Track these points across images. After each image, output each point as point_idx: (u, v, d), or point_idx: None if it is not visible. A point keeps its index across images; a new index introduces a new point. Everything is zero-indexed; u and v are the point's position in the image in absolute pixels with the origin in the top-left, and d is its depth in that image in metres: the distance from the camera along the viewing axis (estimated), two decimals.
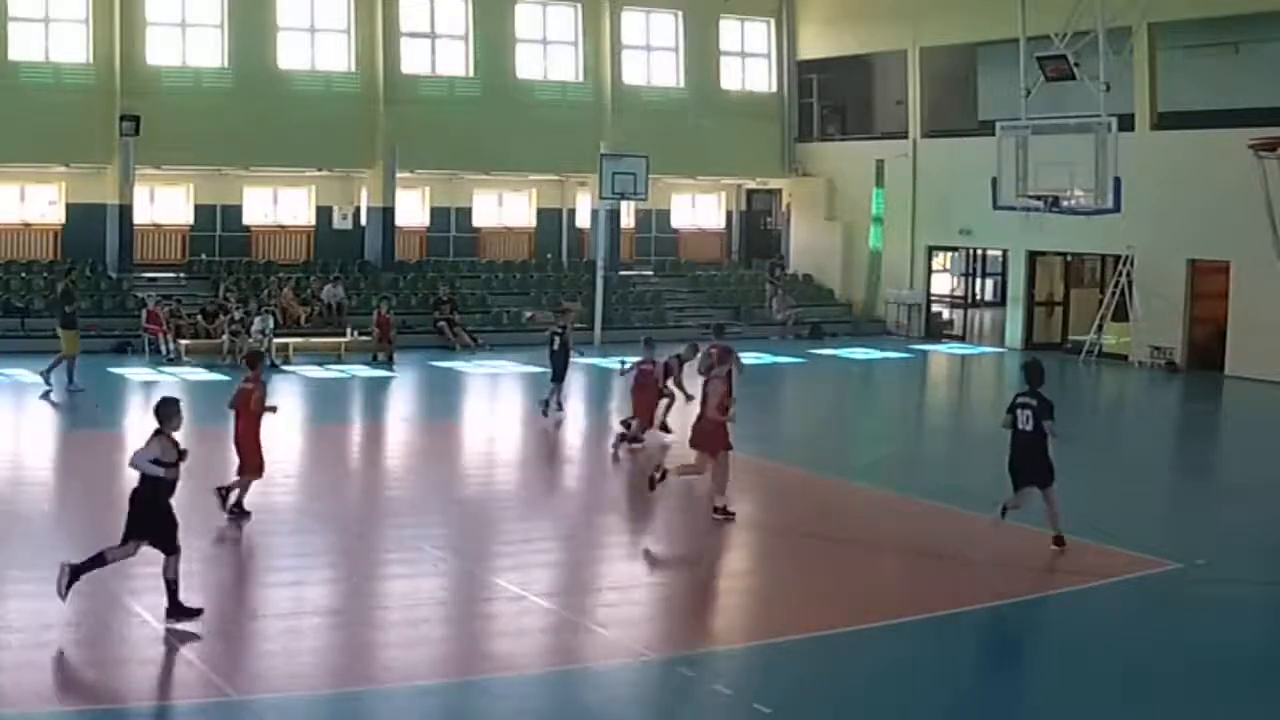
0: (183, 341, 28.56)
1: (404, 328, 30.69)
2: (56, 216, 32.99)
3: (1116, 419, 26.97)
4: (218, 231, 34.29)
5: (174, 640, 10.90)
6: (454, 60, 35.65)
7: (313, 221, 35.51)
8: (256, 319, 28.51)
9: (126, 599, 11.97)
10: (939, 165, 35.34)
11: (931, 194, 35.72)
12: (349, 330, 30.57)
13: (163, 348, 28.17)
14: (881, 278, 37.24)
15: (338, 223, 35.52)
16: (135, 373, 26.30)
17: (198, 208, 34.31)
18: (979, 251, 36.15)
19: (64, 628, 11.20)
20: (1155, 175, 28.92)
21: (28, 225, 32.85)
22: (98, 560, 11.38)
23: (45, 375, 23.69)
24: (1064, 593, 13.28)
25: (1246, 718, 10.27)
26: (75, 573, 11.23)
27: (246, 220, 34.78)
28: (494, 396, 26.96)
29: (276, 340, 28.37)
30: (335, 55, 34.25)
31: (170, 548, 11.32)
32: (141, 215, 32.89)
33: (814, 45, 39.16)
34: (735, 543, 15.41)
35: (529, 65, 36.28)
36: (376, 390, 26.61)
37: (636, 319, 35.04)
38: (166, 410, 11.54)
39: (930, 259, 36.88)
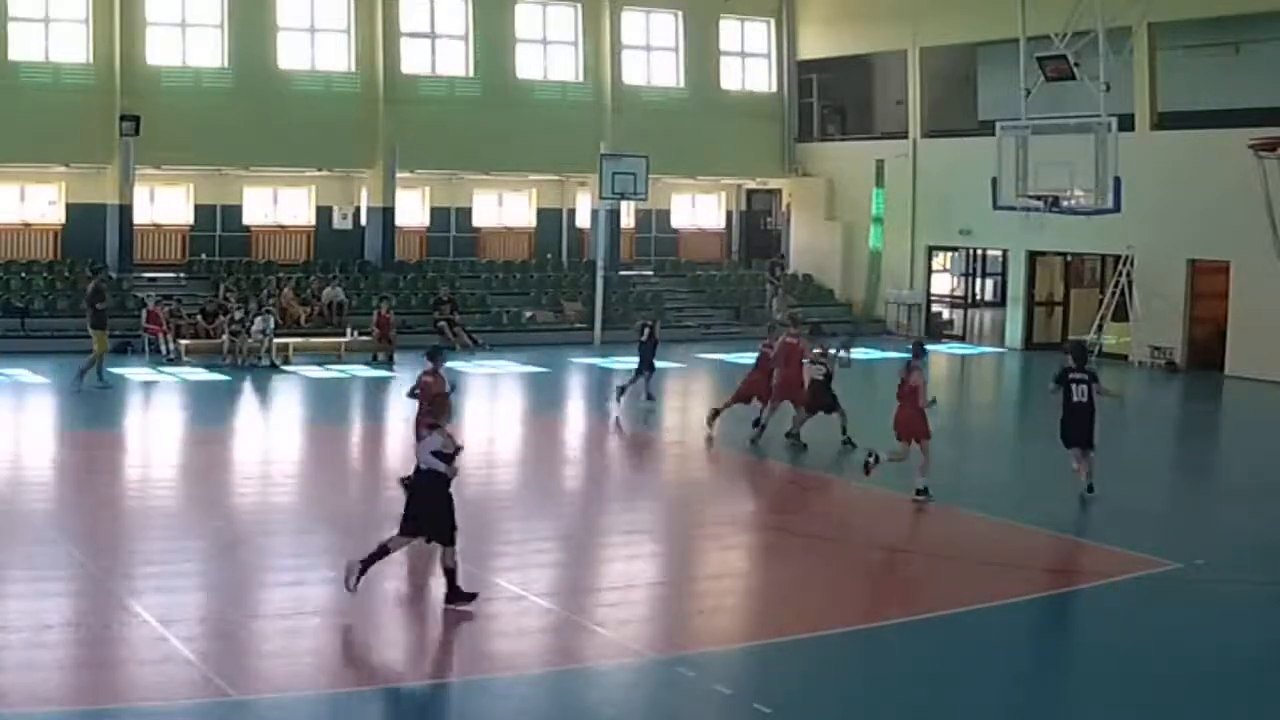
0: (183, 341, 28.56)
1: (404, 328, 30.68)
2: (56, 216, 32.99)
3: (1116, 419, 26.94)
4: (218, 231, 34.29)
5: (174, 640, 10.89)
6: (454, 60, 35.65)
7: (313, 221, 35.51)
8: (257, 319, 28.49)
9: (127, 599, 11.99)
10: (939, 165, 35.34)
11: (931, 194, 35.72)
12: (349, 330, 30.57)
13: (163, 348, 28.16)
14: (881, 278, 37.24)
15: (338, 223, 35.52)
16: (135, 373, 26.27)
17: (198, 208, 34.31)
18: (979, 251, 36.15)
19: (64, 628, 11.22)
20: (1155, 175, 28.92)
21: (28, 225, 32.85)
22: (381, 552, 11.91)
23: (82, 375, 23.77)
24: (1064, 593, 13.28)
25: (1246, 718, 10.28)
26: (364, 567, 11.76)
27: (246, 220, 34.77)
28: (494, 397, 26.95)
29: (276, 340, 28.36)
30: (335, 55, 34.25)
31: (449, 539, 11.75)
32: (141, 215, 32.89)
33: (814, 45, 39.15)
34: (735, 543, 15.43)
35: (529, 65, 36.28)
36: (376, 390, 26.60)
37: (636, 319, 34.99)
38: (441, 404, 12.19)
39: (930, 259, 36.88)
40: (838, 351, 20.39)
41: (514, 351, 30.74)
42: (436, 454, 11.68)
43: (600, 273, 33.55)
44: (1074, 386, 16.82)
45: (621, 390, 23.08)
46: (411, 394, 16.11)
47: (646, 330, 23.52)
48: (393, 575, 13.58)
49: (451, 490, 11.89)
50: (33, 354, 27.37)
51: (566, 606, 12.41)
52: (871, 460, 16.85)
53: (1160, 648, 11.74)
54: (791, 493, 18.15)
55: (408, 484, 14.73)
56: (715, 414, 20.70)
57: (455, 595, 11.82)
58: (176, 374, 26.43)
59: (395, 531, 12.04)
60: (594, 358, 30.44)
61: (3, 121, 30.18)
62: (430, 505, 11.77)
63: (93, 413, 22.41)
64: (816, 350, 20.04)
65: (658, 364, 23.73)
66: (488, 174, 36.77)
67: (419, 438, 12.09)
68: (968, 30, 34.25)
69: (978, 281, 36.87)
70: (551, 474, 19.33)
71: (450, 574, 11.81)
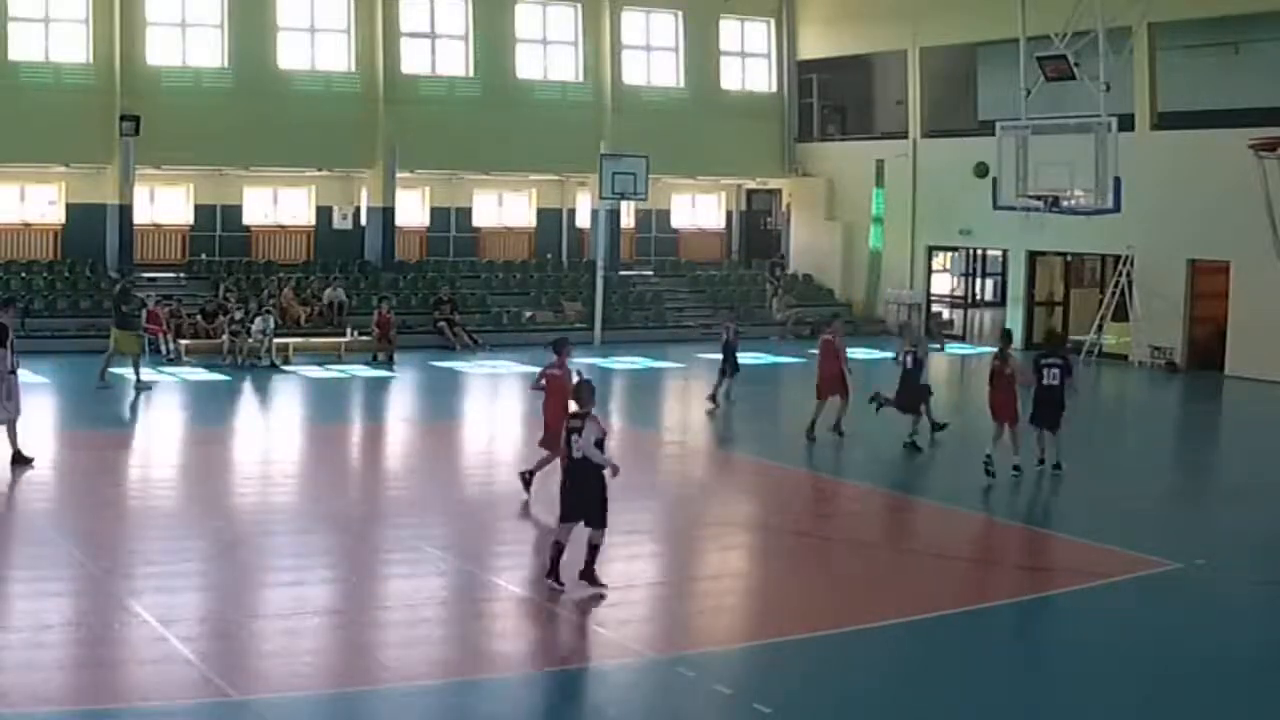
0: (183, 341, 28.57)
1: (404, 328, 30.71)
2: (56, 216, 33.00)
3: (1117, 419, 26.96)
4: (218, 231, 34.31)
5: (174, 640, 10.89)
6: (454, 60, 35.66)
7: (313, 221, 35.52)
8: (257, 319, 28.49)
9: (127, 599, 11.99)
10: (939, 165, 35.34)
11: (931, 194, 35.73)
12: (349, 330, 30.58)
13: (163, 348, 28.15)
14: (881, 278, 37.24)
15: (338, 223, 35.53)
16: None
17: (198, 208, 34.33)
18: (979, 251, 36.15)
19: (64, 628, 11.22)
20: (1155, 175, 28.93)
21: (28, 225, 32.87)
22: (556, 549, 12.47)
23: (103, 374, 24.15)
24: (1064, 593, 13.27)
25: (1246, 718, 10.28)
26: (555, 572, 12.37)
27: (246, 220, 34.79)
28: (494, 396, 26.96)
29: (276, 340, 28.36)
30: (335, 55, 34.26)
31: (603, 522, 12.35)
32: (141, 215, 32.90)
33: (814, 45, 39.16)
34: (735, 543, 15.43)
35: (529, 65, 36.29)
36: (376, 390, 26.61)
37: (636, 319, 35.08)
38: (590, 392, 12.60)
39: (930, 259, 36.89)
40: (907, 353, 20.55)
41: (514, 351, 30.74)
42: (598, 443, 12.26)
43: (600, 273, 33.56)
44: (1045, 370, 17.90)
45: (713, 397, 23.51)
46: (536, 386, 16.48)
47: (728, 331, 23.96)
48: (393, 575, 13.59)
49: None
50: (32, 354, 27.25)
51: (566, 606, 12.40)
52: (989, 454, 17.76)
53: (1160, 648, 11.73)
54: (792, 492, 18.14)
55: (528, 479, 15.93)
56: (813, 425, 20.77)
57: (591, 574, 12.47)
58: (176, 374, 26.43)
59: (557, 524, 12.63)
60: (594, 358, 30.42)
61: (3, 121, 30.20)
62: (591, 491, 12.33)
63: (93, 413, 22.42)
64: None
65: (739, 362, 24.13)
66: (488, 174, 36.78)
67: (570, 430, 12.48)
68: (968, 30, 34.26)
69: (978, 281, 36.88)
70: (552, 474, 19.27)
71: (594, 552, 12.47)
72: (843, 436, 20.59)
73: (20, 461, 17.00)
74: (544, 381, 16.14)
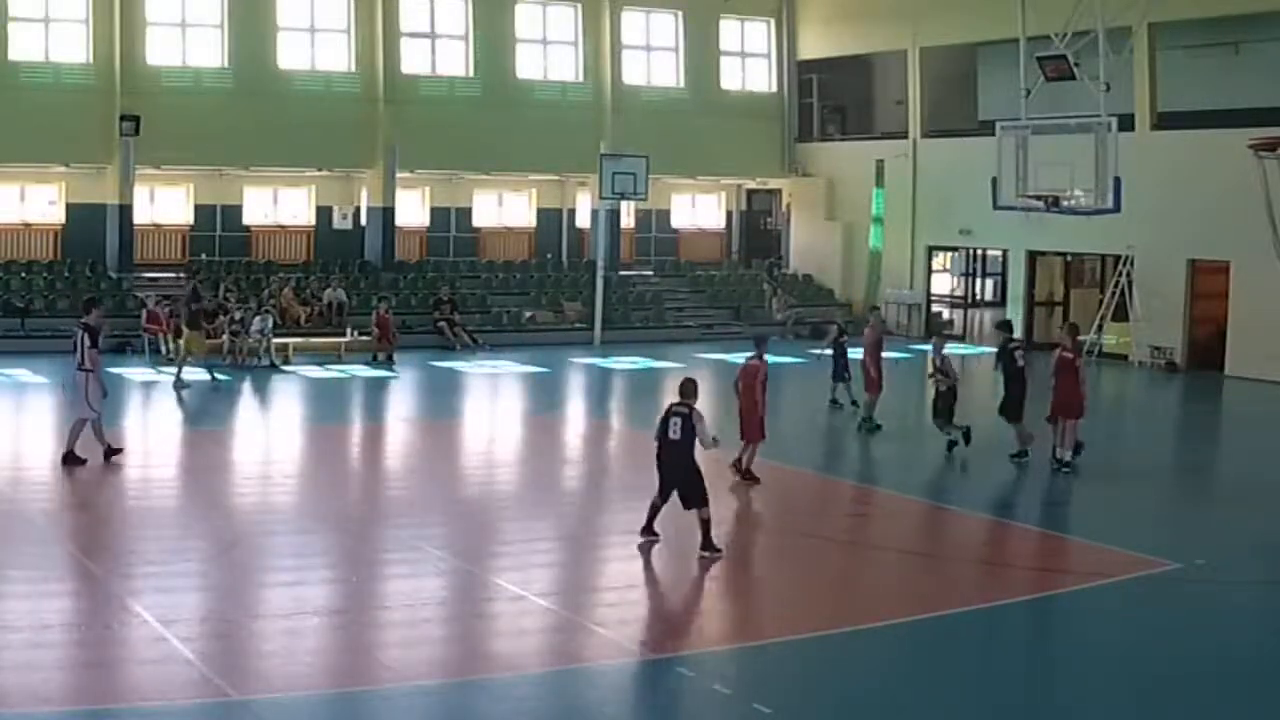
0: (182, 342, 28.51)
1: (404, 328, 30.71)
2: (56, 216, 32.99)
3: (1117, 419, 26.95)
4: (218, 231, 34.29)
5: (174, 640, 10.89)
6: (454, 60, 35.66)
7: (313, 221, 35.51)
8: (256, 319, 28.49)
9: (127, 599, 11.99)
10: (939, 165, 35.33)
11: (931, 194, 35.72)
12: (349, 330, 30.57)
13: (163, 348, 28.15)
14: (881, 278, 37.23)
15: (338, 223, 35.52)
16: (135, 373, 26.28)
17: (198, 208, 34.31)
18: (979, 251, 36.15)
19: (64, 628, 11.22)
20: (1155, 175, 28.92)
21: (28, 225, 32.85)
22: (653, 510, 14.12)
23: (179, 375, 24.66)
24: (1064, 593, 13.27)
25: (1246, 718, 10.27)
26: (647, 527, 14.15)
27: (246, 220, 34.78)
28: (494, 396, 26.96)
29: (276, 340, 28.35)
30: (335, 55, 34.25)
31: (702, 502, 13.76)
32: (141, 215, 32.89)
33: (814, 45, 39.16)
34: (735, 543, 15.41)
35: (529, 65, 36.29)
36: (376, 390, 26.61)
37: (636, 319, 35.07)
38: (694, 387, 14.25)
39: (930, 259, 36.88)
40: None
41: (514, 351, 30.73)
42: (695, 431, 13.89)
43: (600, 273, 33.55)
44: (1016, 353, 18.91)
45: (834, 402, 23.73)
46: (737, 386, 17.77)
47: (836, 335, 24.22)
48: (393, 575, 13.60)
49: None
50: (33, 354, 27.36)
51: (566, 606, 12.41)
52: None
53: (1160, 648, 11.73)
54: (792, 493, 18.13)
55: (743, 470, 17.41)
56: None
57: (709, 544, 13.73)
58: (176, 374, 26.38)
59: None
60: (594, 358, 30.44)
61: (3, 121, 30.19)
62: (682, 471, 13.93)
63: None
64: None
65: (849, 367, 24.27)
66: (488, 174, 36.77)
67: (671, 415, 14.07)
68: (968, 30, 34.26)
69: (978, 281, 36.87)
70: (551, 474, 19.31)
71: (706, 525, 13.79)
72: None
73: (73, 461, 17.18)
74: (742, 373, 17.64)
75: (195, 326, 25.28)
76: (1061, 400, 18.31)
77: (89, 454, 17.26)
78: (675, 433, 13.90)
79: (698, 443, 13.91)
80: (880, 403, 21.71)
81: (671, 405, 14.16)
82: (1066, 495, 17.82)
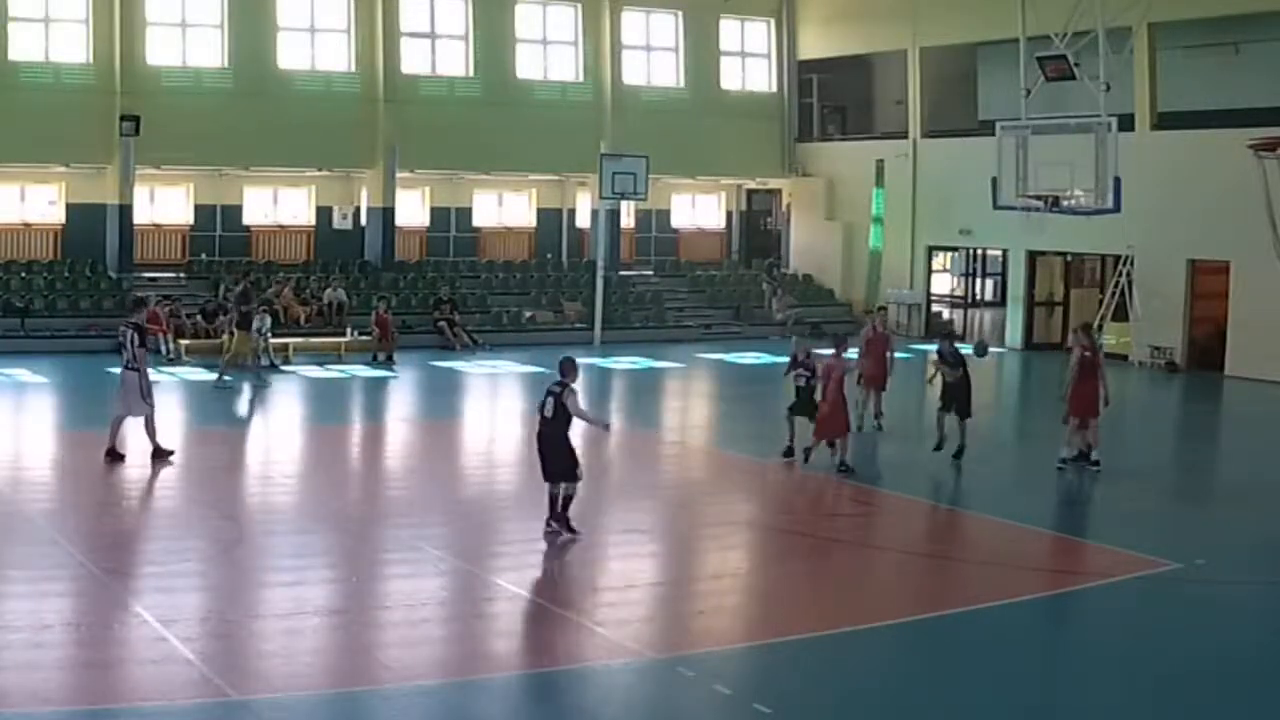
0: (183, 341, 28.56)
1: (404, 328, 30.70)
2: (56, 216, 32.98)
3: (1116, 419, 26.93)
4: (218, 231, 34.28)
5: (174, 640, 10.89)
6: (454, 60, 35.64)
7: (313, 221, 35.50)
8: (255, 318, 28.44)
9: (127, 599, 11.99)
10: (939, 165, 35.33)
11: (931, 194, 35.72)
12: (349, 330, 30.56)
13: (163, 348, 28.14)
14: (881, 278, 37.22)
15: (338, 223, 35.51)
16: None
17: (198, 208, 34.30)
18: (979, 251, 36.14)
19: (64, 628, 11.22)
20: (1155, 175, 28.92)
21: (28, 225, 32.85)
22: (550, 502, 14.40)
23: (222, 374, 25.18)
24: (1064, 593, 13.28)
25: (1246, 718, 10.27)
26: (558, 519, 14.31)
27: (246, 220, 34.77)
28: (494, 396, 26.96)
29: (276, 340, 28.30)
30: (335, 55, 34.24)
31: (572, 476, 14.32)
32: (141, 215, 32.87)
33: (814, 45, 39.14)
34: (735, 543, 15.43)
35: (529, 65, 36.27)
36: (376, 390, 26.61)
37: (636, 319, 35.07)
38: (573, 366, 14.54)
39: (930, 259, 36.87)
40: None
41: (514, 351, 30.73)
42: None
43: (600, 273, 33.55)
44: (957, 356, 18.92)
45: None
46: (831, 370, 18.22)
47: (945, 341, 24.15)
48: (393, 575, 13.59)
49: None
50: (32, 354, 27.38)
51: (566, 606, 12.41)
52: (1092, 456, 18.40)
53: (1160, 648, 11.73)
54: (792, 493, 18.14)
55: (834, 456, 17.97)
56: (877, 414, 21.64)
57: (563, 520, 14.35)
58: (176, 374, 26.42)
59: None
60: (594, 358, 30.42)
61: (3, 121, 30.17)
62: (569, 453, 14.41)
63: (92, 413, 22.38)
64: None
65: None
66: (488, 174, 36.75)
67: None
68: (968, 30, 34.25)
69: (978, 281, 36.86)
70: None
71: (561, 503, 14.43)
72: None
73: (161, 455, 17.75)
74: (825, 369, 18.03)
75: (245, 328, 25.74)
76: (1088, 401, 18.22)
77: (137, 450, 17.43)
78: (549, 411, 14.34)
79: (577, 421, 14.46)
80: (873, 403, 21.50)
81: (549, 385, 14.59)
82: (1066, 495, 17.82)
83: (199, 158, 32.56)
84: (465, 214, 37.22)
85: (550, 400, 14.34)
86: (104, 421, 18.03)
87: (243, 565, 13.59)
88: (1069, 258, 34.09)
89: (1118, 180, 26.07)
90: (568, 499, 14.29)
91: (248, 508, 16.33)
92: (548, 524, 14.37)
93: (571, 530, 14.28)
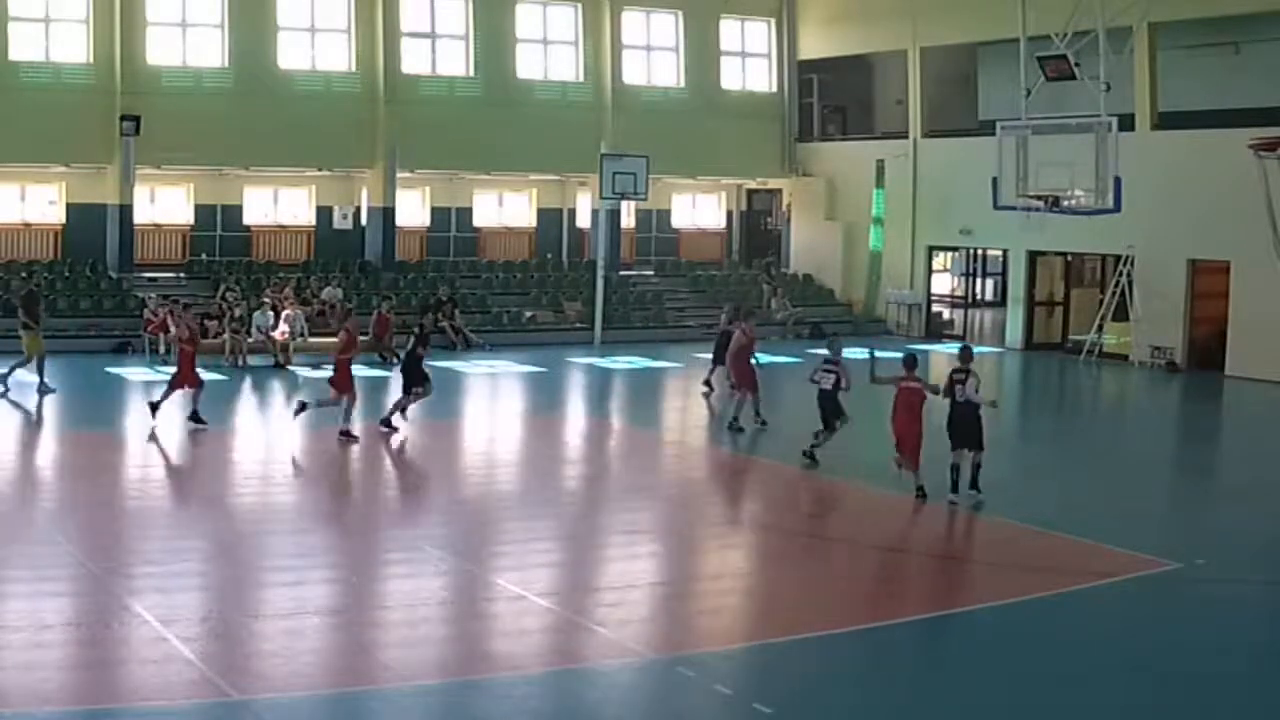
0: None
1: (404, 328, 30.64)
2: (57, 216, 32.99)
3: (1117, 419, 26.98)
4: (218, 231, 34.29)
5: (174, 640, 10.89)
6: (454, 60, 35.64)
7: (313, 221, 35.50)
8: (255, 314, 28.50)
9: (127, 599, 11.99)
10: (939, 165, 35.34)
11: (931, 194, 35.72)
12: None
13: (162, 348, 28.11)
14: (882, 278, 37.23)
15: (338, 223, 35.51)
16: (135, 373, 26.27)
17: (198, 208, 34.31)
18: (979, 251, 36.15)
19: (64, 628, 11.22)
20: (1155, 175, 28.93)
21: (28, 225, 32.86)
22: (954, 470, 16.42)
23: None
24: (1064, 593, 13.27)
25: (1246, 718, 10.28)
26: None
27: (247, 220, 34.78)
28: (494, 396, 26.95)
29: (276, 335, 28.29)
30: (335, 55, 34.24)
31: (981, 445, 16.43)
32: (141, 215, 32.87)
33: (814, 45, 39.14)
34: (735, 543, 15.43)
35: (529, 65, 36.27)
36: (376, 390, 26.55)
37: (637, 319, 35.07)
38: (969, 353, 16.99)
39: (930, 259, 36.87)
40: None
41: (514, 351, 30.73)
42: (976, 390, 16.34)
43: (600, 273, 33.54)
44: (956, 388, 16.57)
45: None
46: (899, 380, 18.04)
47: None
48: (393, 575, 13.60)
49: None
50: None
51: (566, 606, 12.41)
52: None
53: (1161, 647, 11.74)
54: (791, 492, 18.14)
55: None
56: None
57: (977, 481, 16.23)
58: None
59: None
60: (594, 358, 30.43)
61: (3, 121, 30.16)
62: (972, 426, 16.28)
63: (92, 413, 22.41)
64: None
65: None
66: (488, 174, 36.76)
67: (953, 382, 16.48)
68: (968, 30, 34.25)
69: (978, 281, 36.87)
70: (551, 473, 19.31)
71: (977, 470, 16.31)
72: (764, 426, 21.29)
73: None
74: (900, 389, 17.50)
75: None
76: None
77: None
78: (960, 396, 16.51)
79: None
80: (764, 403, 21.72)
81: (952, 371, 16.64)
82: (1066, 495, 17.81)
83: (199, 158, 32.55)
84: (465, 214, 37.23)
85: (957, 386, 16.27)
86: (104, 422, 18.00)
87: (243, 565, 13.59)
88: (1069, 258, 34.08)
89: (1118, 180, 26.10)
90: (976, 466, 16.26)
91: (247, 507, 16.33)
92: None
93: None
